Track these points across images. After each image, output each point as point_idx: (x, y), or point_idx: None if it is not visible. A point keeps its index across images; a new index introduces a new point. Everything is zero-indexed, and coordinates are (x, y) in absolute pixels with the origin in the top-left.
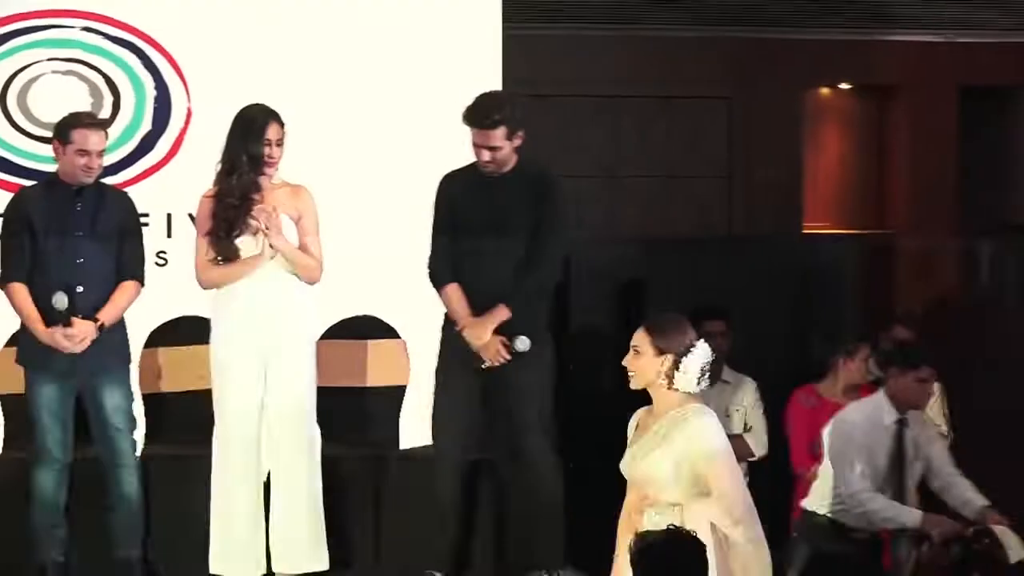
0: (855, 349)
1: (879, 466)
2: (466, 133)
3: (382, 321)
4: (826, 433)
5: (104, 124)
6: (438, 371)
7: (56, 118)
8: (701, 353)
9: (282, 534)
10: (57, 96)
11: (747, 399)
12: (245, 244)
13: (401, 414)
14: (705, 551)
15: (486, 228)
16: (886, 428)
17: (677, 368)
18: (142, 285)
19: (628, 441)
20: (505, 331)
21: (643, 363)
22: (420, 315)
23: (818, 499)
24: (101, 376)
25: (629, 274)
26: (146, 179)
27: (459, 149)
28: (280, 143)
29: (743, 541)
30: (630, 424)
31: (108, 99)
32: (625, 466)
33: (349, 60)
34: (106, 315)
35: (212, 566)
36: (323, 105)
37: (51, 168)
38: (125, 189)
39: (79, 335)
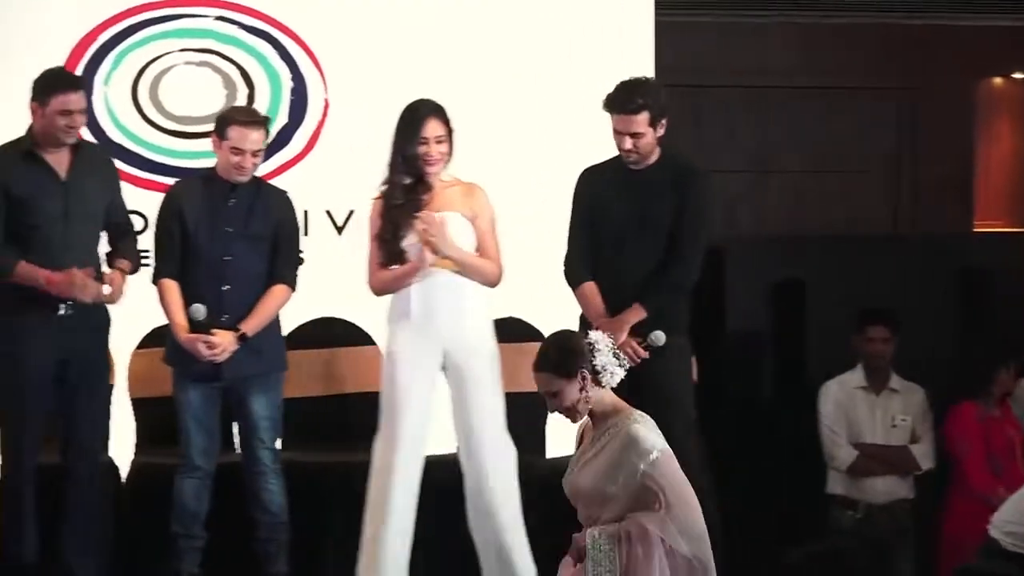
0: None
1: None
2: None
3: (526, 323)
4: None
5: (262, 122)
6: None
7: (188, 111)
8: (602, 343)
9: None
10: (190, 88)
11: (915, 408)
12: (412, 247)
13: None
14: None
15: (624, 224)
16: None
17: (596, 373)
18: (293, 289)
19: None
20: (641, 331)
21: (565, 396)
22: (563, 316)
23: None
24: (248, 382)
25: (785, 274)
26: (282, 174)
27: (610, 141)
28: (442, 140)
29: (689, 555)
30: (575, 436)
31: (243, 91)
32: (565, 481)
33: (496, 50)
34: (249, 325)
35: None
36: (468, 97)
37: (182, 164)
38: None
39: (219, 346)
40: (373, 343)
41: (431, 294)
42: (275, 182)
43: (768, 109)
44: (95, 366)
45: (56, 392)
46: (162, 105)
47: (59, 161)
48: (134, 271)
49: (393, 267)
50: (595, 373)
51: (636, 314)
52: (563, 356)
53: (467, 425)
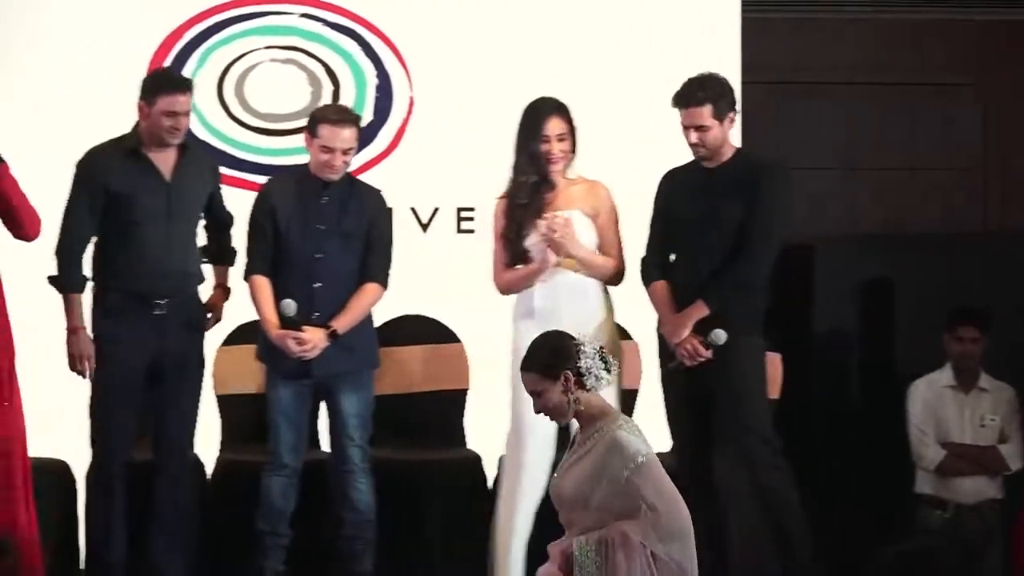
0: None
1: None
2: None
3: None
4: None
5: (353, 120)
6: (662, 375)
7: (273, 109)
8: (589, 347)
9: None
10: (275, 86)
11: (1005, 408)
12: (536, 246)
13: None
14: None
15: (694, 223)
16: None
17: (580, 376)
18: (384, 288)
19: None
20: (706, 329)
21: (549, 397)
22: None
23: None
24: (339, 379)
25: (873, 272)
26: (366, 171)
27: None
28: (564, 137)
29: (671, 561)
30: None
31: (327, 88)
32: (551, 486)
33: (581, 48)
34: (340, 323)
35: None
36: (553, 95)
37: (268, 161)
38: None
39: (310, 342)
40: (458, 341)
41: (555, 293)
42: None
43: (856, 106)
44: (188, 365)
45: (148, 390)
46: (247, 103)
47: (164, 161)
48: (231, 264)
49: (518, 267)
50: (579, 376)
51: (698, 311)
52: (548, 357)
53: None
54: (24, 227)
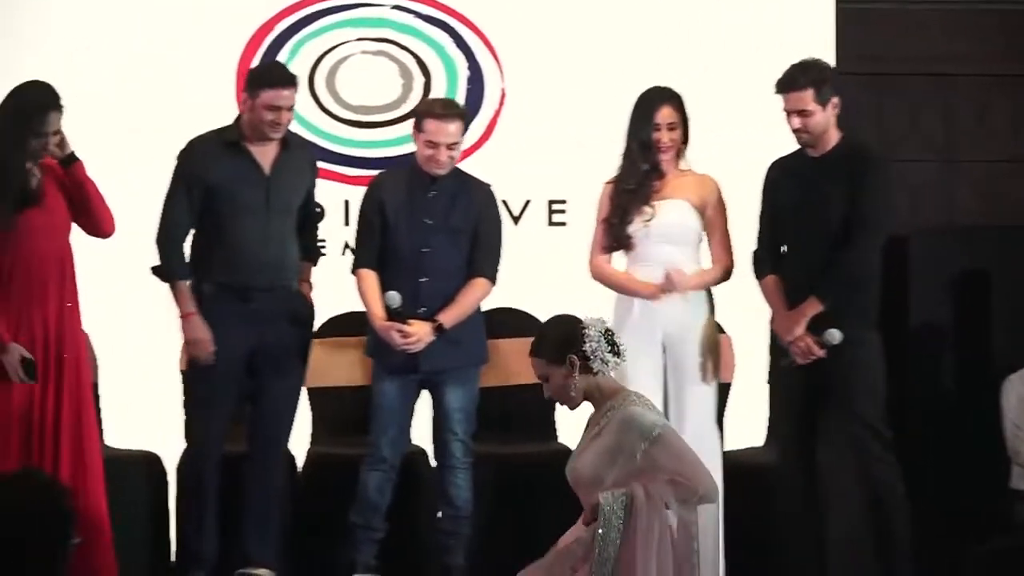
0: None
1: None
2: None
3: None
4: None
5: (459, 115)
6: (769, 372)
7: (365, 101)
8: (594, 330)
9: None
10: (366, 78)
11: None
12: (636, 230)
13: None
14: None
15: (801, 214)
16: None
17: (586, 359)
18: (493, 283)
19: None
20: (820, 325)
21: (556, 382)
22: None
23: None
24: (445, 374)
25: (969, 264)
26: (457, 164)
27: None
28: (674, 127)
29: (691, 525)
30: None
31: (419, 80)
32: (567, 469)
33: (674, 40)
34: (446, 316)
35: None
36: (649, 84)
37: (359, 153)
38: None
39: (415, 336)
40: None
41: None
42: None
43: (954, 97)
44: (286, 358)
45: (246, 382)
46: (339, 95)
47: (265, 154)
48: (315, 263)
49: (628, 278)
50: (585, 359)
51: (812, 307)
52: (553, 342)
53: (679, 414)
54: (101, 224)
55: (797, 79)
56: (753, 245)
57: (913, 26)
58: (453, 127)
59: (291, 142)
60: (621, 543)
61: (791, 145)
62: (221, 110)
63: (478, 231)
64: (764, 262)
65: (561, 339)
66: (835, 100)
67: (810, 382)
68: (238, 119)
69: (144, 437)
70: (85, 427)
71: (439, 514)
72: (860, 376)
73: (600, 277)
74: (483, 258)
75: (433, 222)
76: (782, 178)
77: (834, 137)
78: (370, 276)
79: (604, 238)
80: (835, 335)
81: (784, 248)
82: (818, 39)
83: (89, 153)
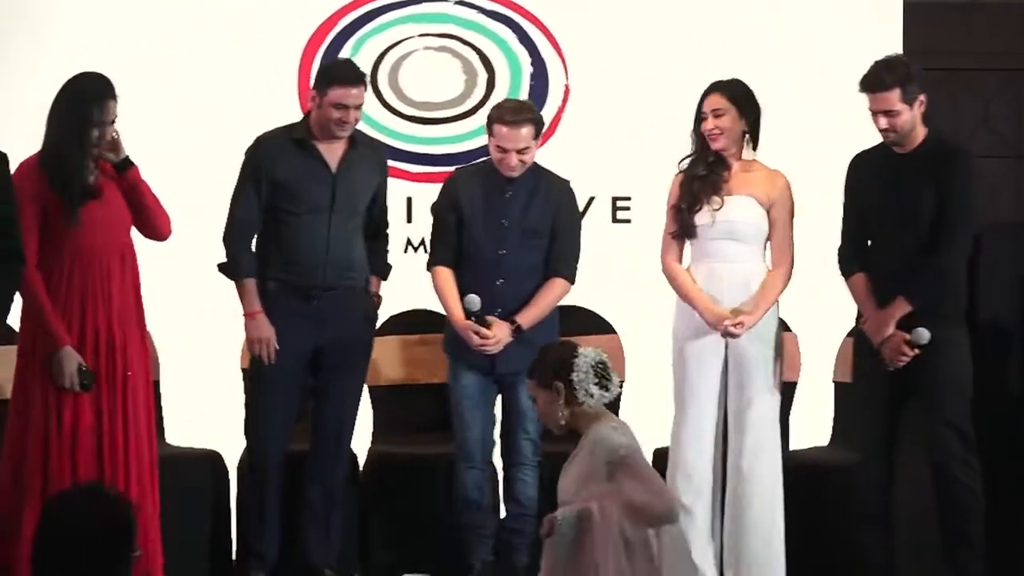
0: None
1: None
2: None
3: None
4: None
5: (528, 120)
6: (853, 371)
7: (428, 97)
8: (583, 360)
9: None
10: (429, 74)
11: None
12: (703, 221)
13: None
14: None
15: (888, 211)
16: None
17: (572, 388)
18: (571, 283)
19: None
20: (908, 324)
21: (543, 405)
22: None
23: None
24: (521, 375)
25: None
26: None
27: (860, 124)
28: (720, 113)
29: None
30: None
31: (482, 76)
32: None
33: (740, 36)
34: (524, 317)
35: None
36: (710, 80)
37: (422, 150)
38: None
39: (493, 337)
40: (614, 332)
41: (719, 294)
42: None
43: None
44: (349, 357)
45: (308, 380)
46: (402, 91)
47: (332, 152)
48: (385, 278)
49: (695, 291)
50: (571, 388)
51: (900, 308)
52: (544, 367)
53: (739, 423)
54: (158, 228)
55: (883, 79)
56: (826, 243)
57: (981, 21)
58: (523, 132)
59: (359, 141)
60: (570, 558)
61: (859, 143)
62: (284, 107)
63: (556, 230)
64: (851, 260)
65: (552, 365)
66: (921, 98)
67: (897, 382)
68: (306, 116)
69: (206, 435)
70: (143, 433)
71: (504, 512)
72: (949, 376)
73: (670, 278)
74: (561, 258)
75: (509, 223)
76: (867, 174)
77: (921, 134)
78: (447, 274)
79: (671, 223)
80: (924, 335)
81: (870, 243)
82: (886, 35)
83: (153, 152)
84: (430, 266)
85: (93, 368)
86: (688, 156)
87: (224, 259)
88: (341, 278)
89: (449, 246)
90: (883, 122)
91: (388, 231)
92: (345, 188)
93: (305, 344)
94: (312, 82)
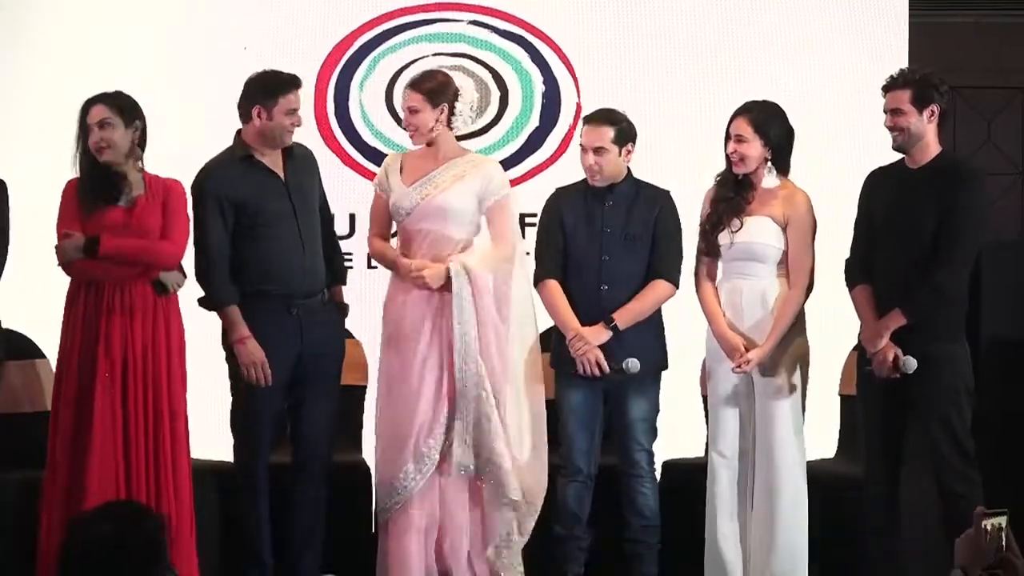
0: None
1: None
2: (874, 125)
3: None
4: None
5: (603, 120)
6: (857, 384)
7: None
8: (468, 95)
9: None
10: None
11: None
12: (724, 241)
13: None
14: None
15: (893, 224)
16: None
17: (452, 114)
18: (675, 286)
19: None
20: (906, 337)
21: (422, 117)
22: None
23: None
24: (627, 383)
25: None
26: (533, 178)
27: (865, 141)
28: (741, 139)
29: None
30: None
31: (495, 95)
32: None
33: (748, 54)
34: (622, 316)
35: None
36: (722, 104)
37: None
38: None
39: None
40: None
41: (738, 310)
42: (526, 186)
43: None
44: (327, 365)
45: (289, 391)
46: None
47: (276, 163)
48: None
49: (718, 317)
50: (452, 114)
51: (895, 320)
52: (436, 87)
53: (766, 433)
54: (160, 265)
55: (897, 77)
56: (836, 257)
57: (986, 39)
58: (599, 131)
59: (292, 147)
60: None
61: (863, 160)
62: (300, 126)
63: (657, 235)
64: (856, 272)
65: (442, 88)
66: (934, 108)
67: (896, 396)
68: (239, 134)
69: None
70: (175, 443)
71: (629, 524)
72: (947, 391)
73: (697, 294)
74: (663, 260)
75: (611, 230)
76: (877, 188)
77: (933, 150)
78: (555, 288)
79: (700, 242)
80: (911, 363)
81: (878, 257)
82: (892, 54)
83: (172, 169)
84: (537, 280)
85: (121, 380)
86: (721, 173)
87: (202, 294)
88: (315, 285)
89: (554, 259)
90: (888, 120)
91: (333, 224)
92: (299, 193)
93: (288, 355)
94: (242, 98)
